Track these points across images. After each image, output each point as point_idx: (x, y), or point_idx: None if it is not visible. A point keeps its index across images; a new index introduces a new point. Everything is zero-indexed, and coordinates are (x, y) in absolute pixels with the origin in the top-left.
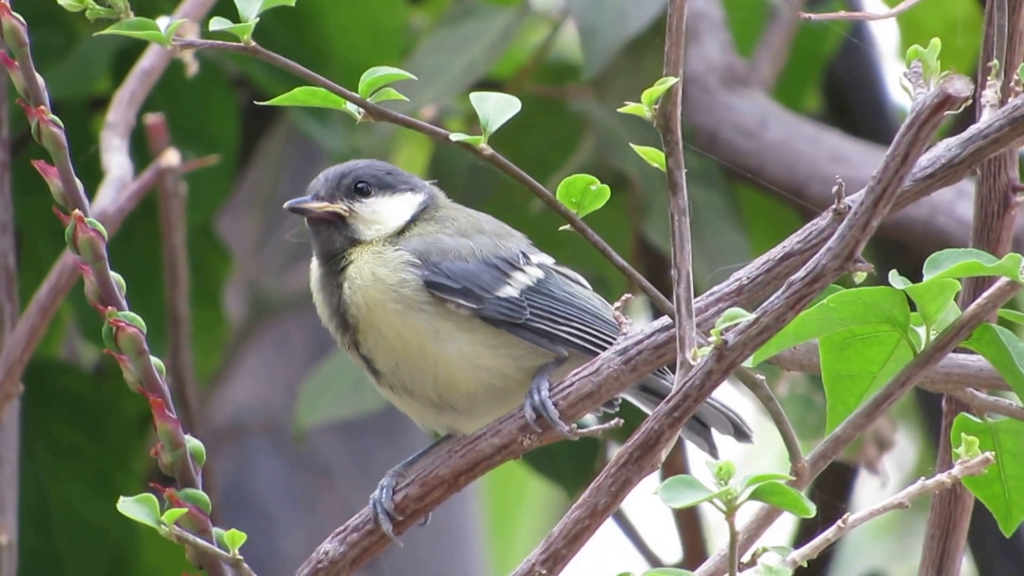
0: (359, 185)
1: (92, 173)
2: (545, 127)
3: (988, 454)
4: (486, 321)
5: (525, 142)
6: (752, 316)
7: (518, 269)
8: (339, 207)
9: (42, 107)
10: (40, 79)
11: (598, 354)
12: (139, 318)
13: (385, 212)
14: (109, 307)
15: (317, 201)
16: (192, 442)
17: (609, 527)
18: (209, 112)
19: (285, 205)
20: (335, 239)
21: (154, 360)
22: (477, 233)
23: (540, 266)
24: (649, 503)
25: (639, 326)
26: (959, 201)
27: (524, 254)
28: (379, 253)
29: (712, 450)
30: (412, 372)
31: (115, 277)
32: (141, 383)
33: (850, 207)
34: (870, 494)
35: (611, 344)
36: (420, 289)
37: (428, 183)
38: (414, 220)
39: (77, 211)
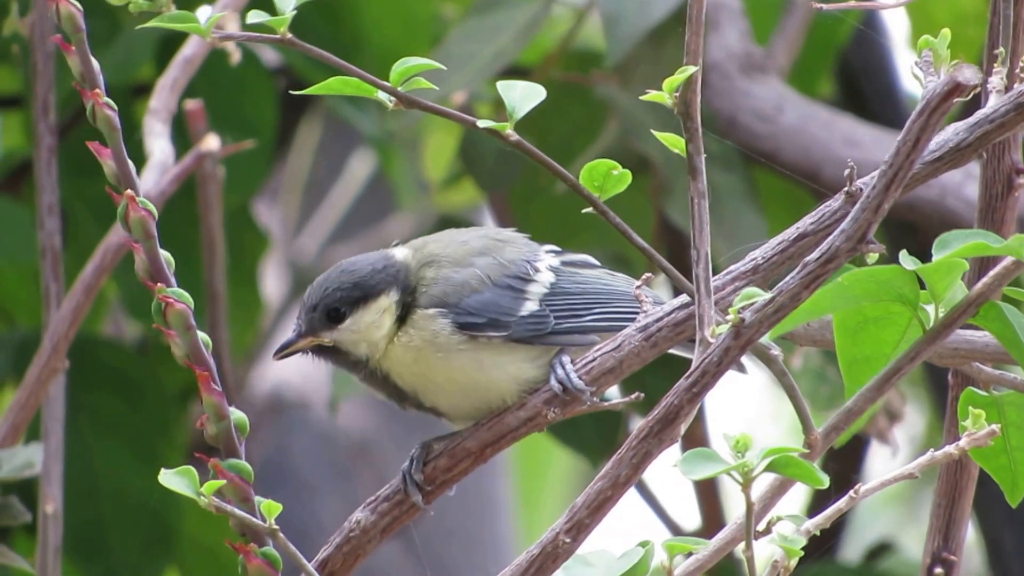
0: (330, 313)
1: (135, 157)
2: (571, 112)
3: (994, 426)
4: (518, 342)
5: (552, 127)
6: (768, 295)
7: (531, 281)
8: (321, 339)
9: (97, 90)
10: (95, 63)
11: (623, 328)
12: (187, 295)
13: (364, 328)
14: (159, 283)
15: (300, 338)
16: (236, 414)
17: (631, 497)
18: (248, 98)
19: (274, 356)
20: (340, 362)
21: (200, 335)
22: (475, 257)
23: (549, 269)
24: (669, 474)
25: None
26: (968, 183)
27: (529, 263)
28: (404, 333)
29: (740, 368)
30: (469, 406)
31: (164, 255)
32: (188, 357)
33: (862, 190)
34: (881, 464)
35: (631, 314)
36: (454, 332)
37: (392, 246)
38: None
39: (129, 191)
